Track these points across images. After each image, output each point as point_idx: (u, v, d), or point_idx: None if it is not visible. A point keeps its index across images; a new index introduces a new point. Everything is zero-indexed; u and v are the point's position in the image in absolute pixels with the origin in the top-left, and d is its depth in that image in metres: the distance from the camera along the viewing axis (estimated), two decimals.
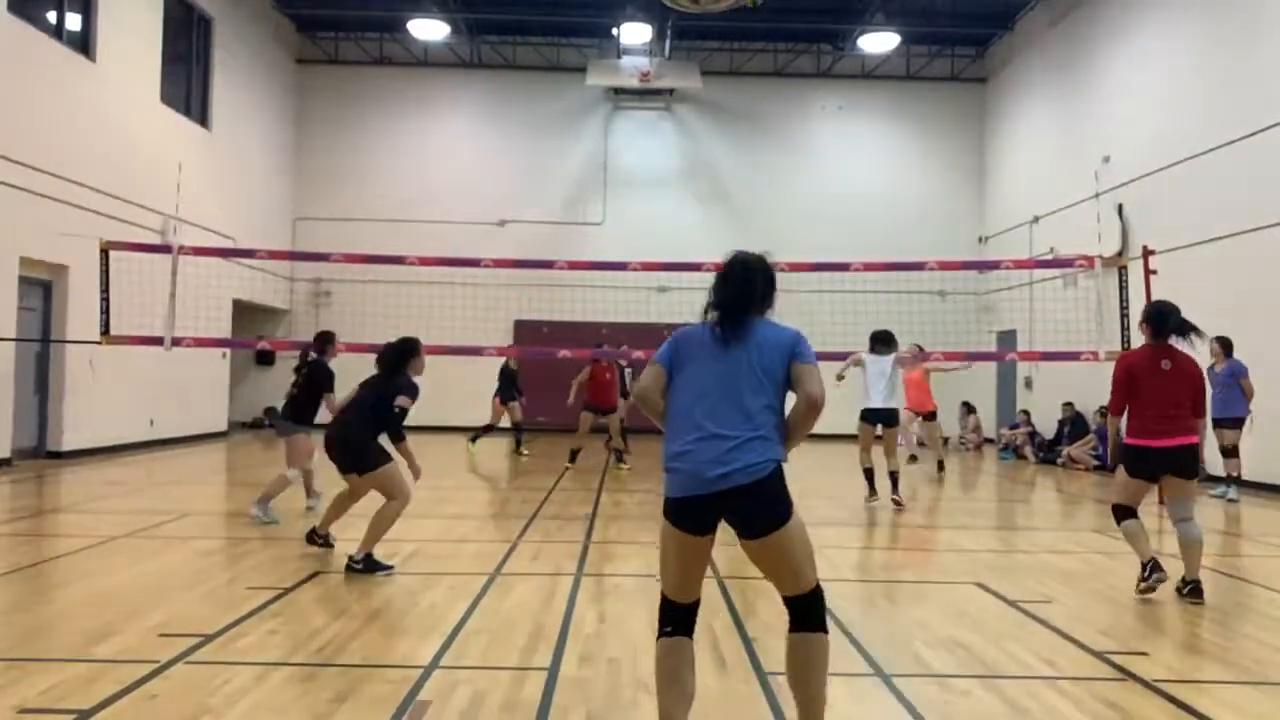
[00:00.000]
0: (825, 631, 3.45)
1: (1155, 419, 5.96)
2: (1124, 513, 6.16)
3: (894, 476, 10.25)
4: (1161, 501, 6.62)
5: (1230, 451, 11.27)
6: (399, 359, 6.88)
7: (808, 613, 3.47)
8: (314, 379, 8.64)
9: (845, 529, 9.03)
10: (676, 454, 3.35)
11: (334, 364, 8.86)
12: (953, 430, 20.54)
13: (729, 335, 3.44)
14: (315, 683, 4.16)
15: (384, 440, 6.73)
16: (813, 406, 3.37)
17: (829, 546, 7.90)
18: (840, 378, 10.76)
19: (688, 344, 3.51)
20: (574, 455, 13.47)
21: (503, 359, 15.71)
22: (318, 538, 7.09)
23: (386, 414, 6.63)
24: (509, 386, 15.76)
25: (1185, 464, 5.98)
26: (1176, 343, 6.09)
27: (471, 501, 8.42)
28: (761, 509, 3.32)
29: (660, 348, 3.58)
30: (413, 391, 6.83)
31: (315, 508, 8.66)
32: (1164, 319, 6.06)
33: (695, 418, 3.35)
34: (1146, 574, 5.96)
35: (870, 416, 10.39)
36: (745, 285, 3.51)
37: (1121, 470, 6.24)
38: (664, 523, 3.40)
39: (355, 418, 6.72)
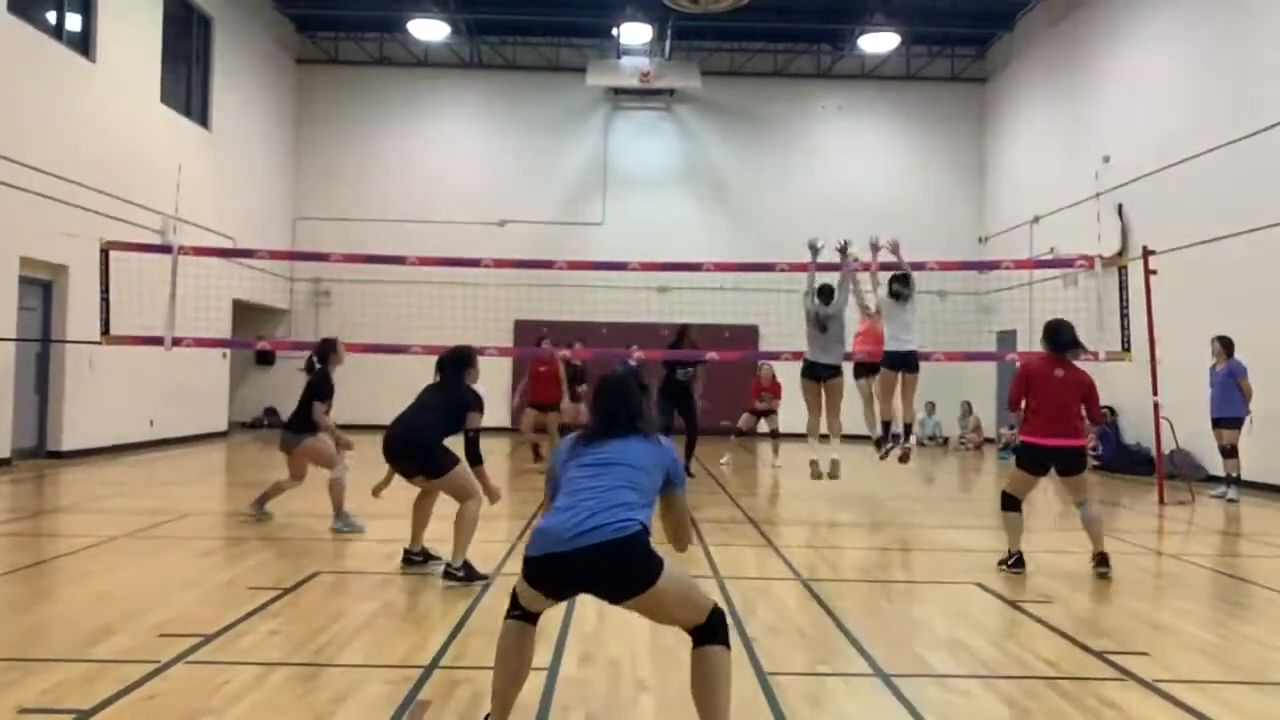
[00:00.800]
0: (727, 647, 3.40)
1: (1047, 421, 6.66)
2: (1011, 502, 6.87)
3: (908, 428, 10.03)
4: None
5: (1229, 451, 11.27)
6: (457, 366, 6.68)
7: (709, 634, 3.40)
8: (310, 388, 8.35)
9: (845, 529, 9.04)
10: None
11: (343, 364, 8.75)
12: (953, 430, 20.58)
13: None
14: (315, 682, 4.16)
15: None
16: None
17: (829, 546, 7.91)
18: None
19: None
20: (536, 452, 13.43)
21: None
22: (415, 557, 6.60)
23: (454, 416, 6.41)
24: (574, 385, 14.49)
25: (1072, 463, 6.72)
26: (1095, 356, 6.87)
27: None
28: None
29: None
30: (480, 406, 6.59)
31: (258, 516, 8.46)
32: (1060, 335, 6.82)
33: None
34: (1011, 561, 6.78)
35: (895, 361, 9.76)
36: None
37: (1014, 463, 7.02)
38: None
39: (422, 420, 6.40)
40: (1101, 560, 6.70)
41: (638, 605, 3.37)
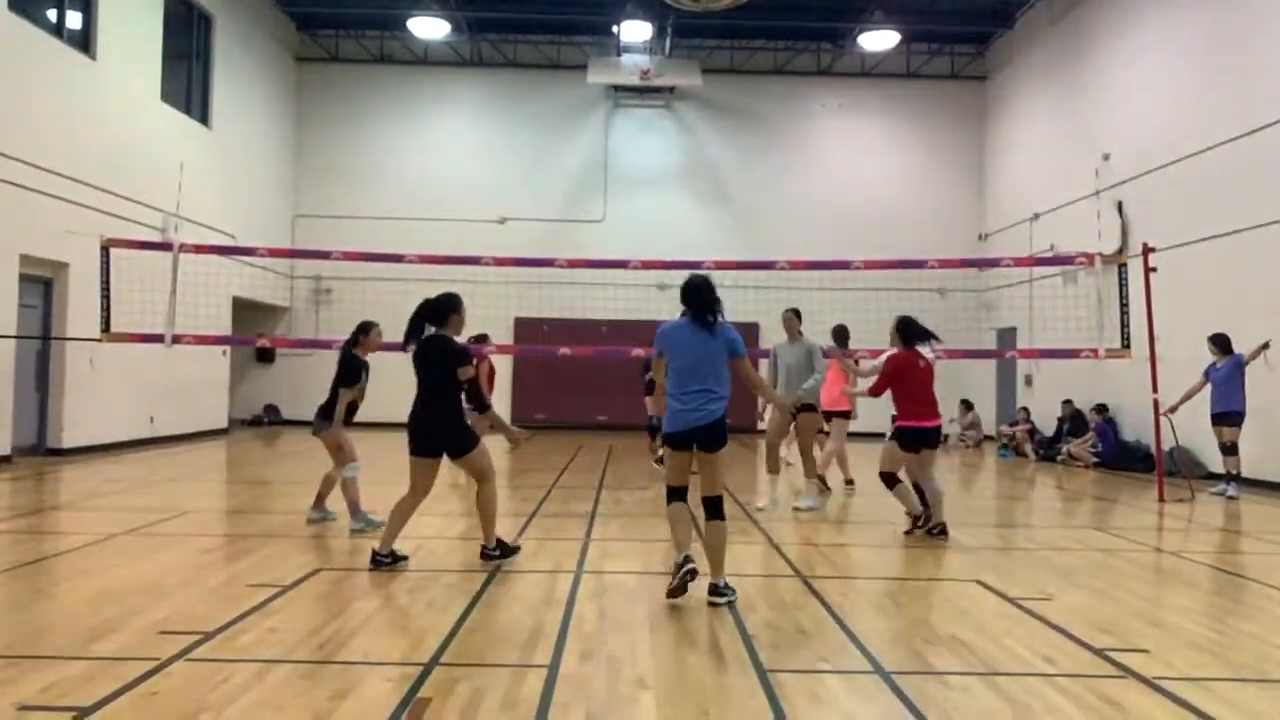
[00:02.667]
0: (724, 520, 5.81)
1: (921, 404, 7.92)
2: (892, 480, 7.99)
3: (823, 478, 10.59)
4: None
5: (1230, 449, 11.27)
6: (436, 317, 6.55)
7: (717, 512, 5.80)
8: (337, 371, 8.00)
9: (845, 526, 9.04)
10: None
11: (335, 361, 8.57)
12: (951, 428, 20.57)
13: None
14: (315, 680, 4.16)
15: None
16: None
17: (829, 544, 7.91)
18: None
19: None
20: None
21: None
22: (493, 552, 6.62)
23: (451, 385, 6.39)
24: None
25: (937, 440, 8.10)
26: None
27: (472, 499, 8.41)
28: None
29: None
30: (465, 357, 6.41)
31: (320, 520, 8.23)
32: (910, 329, 8.07)
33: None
34: (927, 526, 7.85)
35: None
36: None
37: (894, 445, 7.99)
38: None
39: (435, 402, 6.43)
40: (942, 530, 7.85)
41: (711, 460, 5.74)
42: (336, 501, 8.29)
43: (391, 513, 6.54)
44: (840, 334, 11.12)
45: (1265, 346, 11.66)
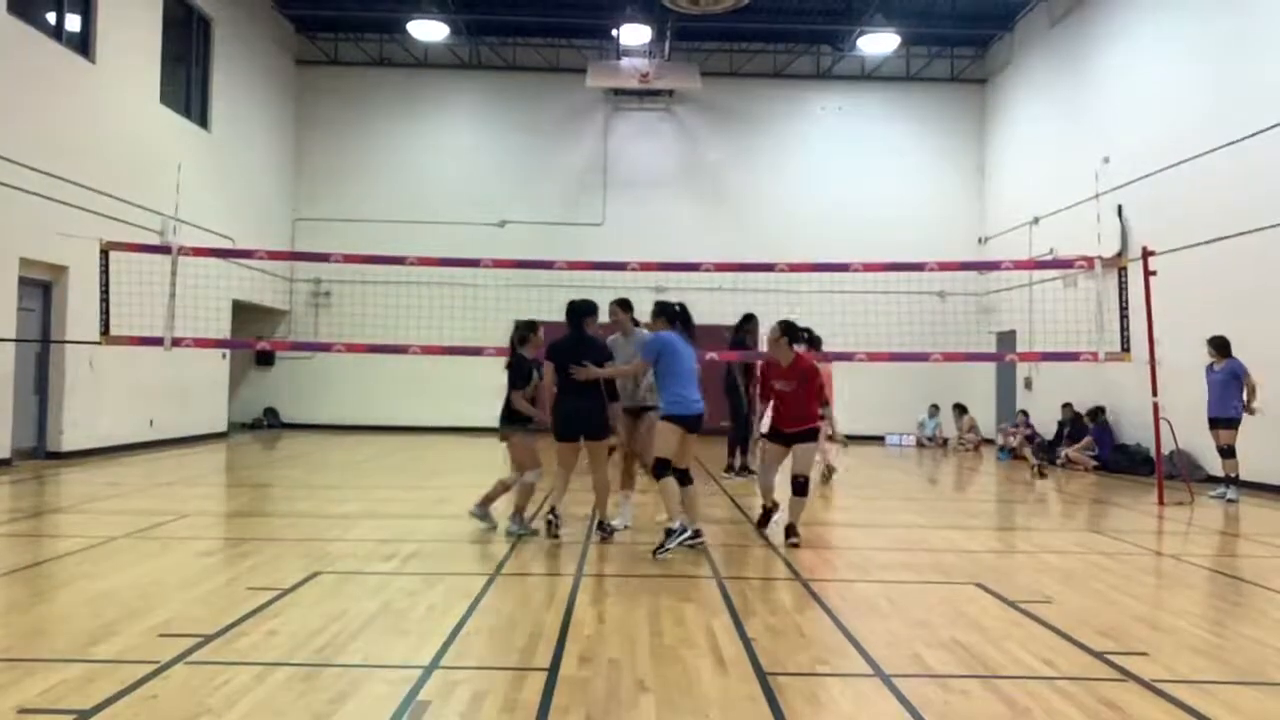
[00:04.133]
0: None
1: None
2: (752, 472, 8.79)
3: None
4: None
5: (1227, 452, 11.26)
6: (576, 316, 7.74)
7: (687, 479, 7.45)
8: (509, 374, 7.98)
9: (845, 529, 9.04)
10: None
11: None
12: (950, 431, 20.59)
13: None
14: (315, 683, 4.16)
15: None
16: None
17: (829, 546, 7.91)
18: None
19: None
20: None
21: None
22: (606, 528, 7.83)
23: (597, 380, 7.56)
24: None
25: (810, 436, 8.06)
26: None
27: (472, 501, 8.42)
28: None
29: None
30: (609, 354, 7.74)
31: (482, 519, 8.21)
32: (794, 331, 8.23)
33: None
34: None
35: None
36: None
37: (765, 442, 8.52)
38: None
39: (586, 401, 7.59)
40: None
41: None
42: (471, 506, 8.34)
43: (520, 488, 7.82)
44: (789, 330, 10.81)
45: (1254, 406, 11.32)
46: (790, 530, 7.74)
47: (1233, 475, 11.28)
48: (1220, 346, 11.38)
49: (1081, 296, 14.89)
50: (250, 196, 19.67)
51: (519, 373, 7.92)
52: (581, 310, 7.73)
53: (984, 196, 22.01)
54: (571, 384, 7.46)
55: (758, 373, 9.69)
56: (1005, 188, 21.04)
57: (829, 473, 12.47)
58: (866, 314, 14.99)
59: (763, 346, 10.54)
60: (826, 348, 12.83)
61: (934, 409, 20.75)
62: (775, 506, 8.36)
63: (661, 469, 7.24)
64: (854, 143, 22.25)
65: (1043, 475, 10.35)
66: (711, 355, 12.79)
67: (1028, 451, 16.95)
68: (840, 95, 22.43)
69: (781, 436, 8.04)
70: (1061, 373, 16.71)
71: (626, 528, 8.30)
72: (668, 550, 7.10)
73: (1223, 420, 11.22)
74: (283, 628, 5.01)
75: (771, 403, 8.20)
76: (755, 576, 6.63)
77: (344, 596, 5.78)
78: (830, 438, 12.41)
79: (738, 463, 13.13)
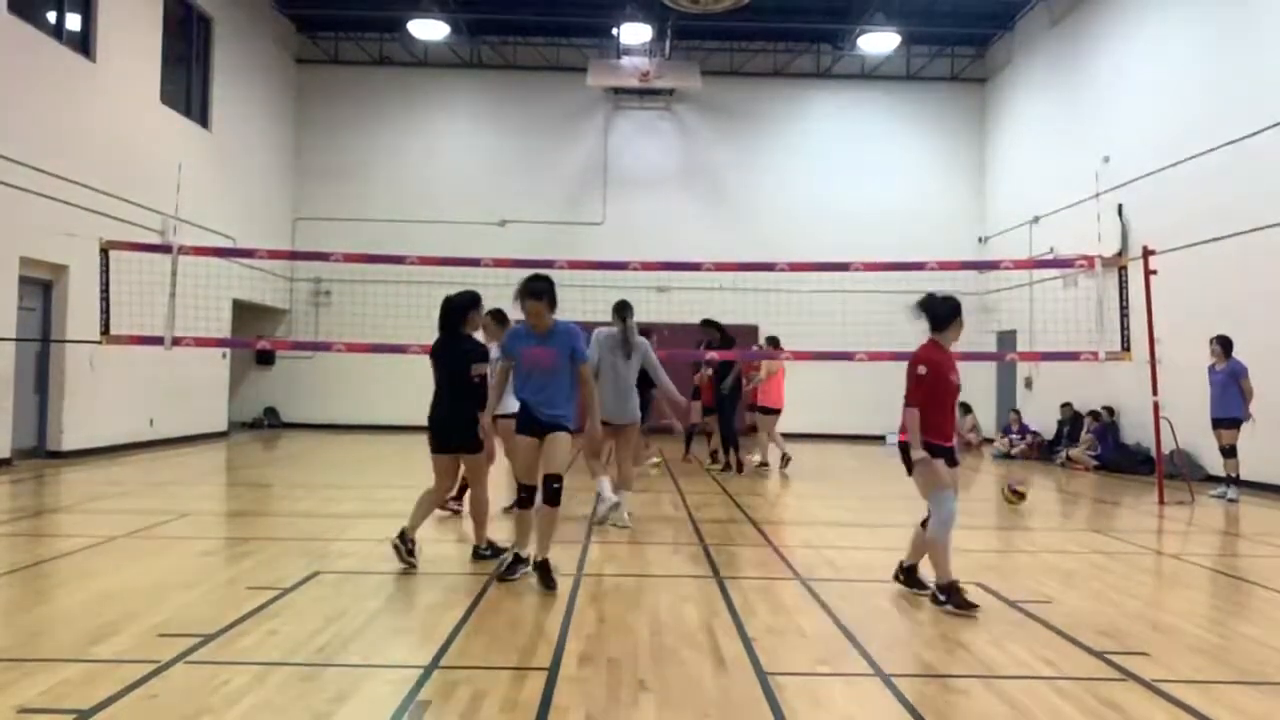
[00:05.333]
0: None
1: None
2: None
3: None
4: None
5: (1229, 451, 11.26)
6: (455, 317, 6.85)
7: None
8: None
9: (845, 529, 9.03)
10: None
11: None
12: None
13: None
14: (315, 683, 4.16)
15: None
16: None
17: (829, 547, 7.91)
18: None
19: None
20: None
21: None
22: (484, 551, 6.83)
23: (470, 385, 6.63)
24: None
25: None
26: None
27: (465, 501, 8.42)
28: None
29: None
30: (483, 355, 6.82)
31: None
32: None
33: None
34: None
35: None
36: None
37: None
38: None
39: (450, 406, 6.69)
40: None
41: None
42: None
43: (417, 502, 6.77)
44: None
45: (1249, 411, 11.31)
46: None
47: (1233, 475, 11.28)
48: (1225, 346, 11.34)
49: (1082, 296, 14.89)
50: (251, 196, 19.66)
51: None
52: (454, 307, 6.87)
53: (984, 196, 22.00)
54: (441, 389, 6.74)
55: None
56: (1005, 187, 21.03)
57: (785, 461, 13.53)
58: (866, 313, 14.99)
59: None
60: (826, 347, 12.86)
61: None
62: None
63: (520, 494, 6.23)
64: (854, 142, 22.24)
65: (1021, 498, 10.28)
66: (711, 355, 12.83)
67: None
68: (840, 94, 22.42)
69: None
70: (1061, 372, 16.70)
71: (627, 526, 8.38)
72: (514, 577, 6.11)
73: (1225, 420, 11.22)
74: (283, 628, 5.01)
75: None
76: (755, 576, 6.62)
77: (344, 596, 5.78)
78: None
79: (732, 459, 13.30)
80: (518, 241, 20.23)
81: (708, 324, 13.22)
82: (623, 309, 8.67)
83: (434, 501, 6.83)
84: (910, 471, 5.79)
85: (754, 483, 12.36)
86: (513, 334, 6.28)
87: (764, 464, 13.62)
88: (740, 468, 13.24)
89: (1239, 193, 12.88)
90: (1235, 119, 13.04)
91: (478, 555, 6.82)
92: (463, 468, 6.86)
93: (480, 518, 6.89)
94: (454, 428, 6.62)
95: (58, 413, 13.63)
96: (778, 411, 13.68)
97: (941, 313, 5.94)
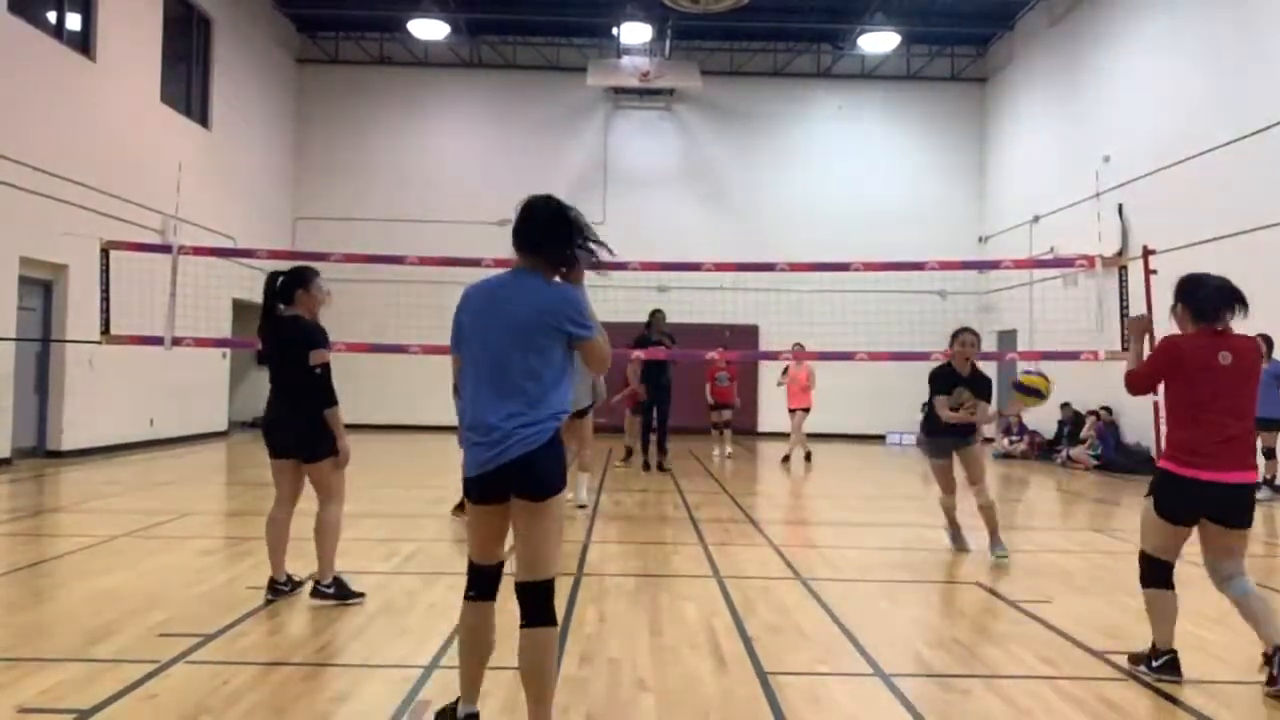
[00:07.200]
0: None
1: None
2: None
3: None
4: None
5: (1270, 454, 11.06)
6: (273, 297, 5.62)
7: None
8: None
9: (845, 528, 9.04)
10: None
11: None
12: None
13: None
14: (315, 682, 4.16)
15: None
16: None
17: (829, 546, 7.91)
18: None
19: None
20: None
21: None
22: (326, 588, 5.52)
23: (313, 380, 5.46)
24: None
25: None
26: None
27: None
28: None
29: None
30: (322, 339, 5.59)
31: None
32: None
33: None
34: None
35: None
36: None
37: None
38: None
39: (287, 408, 5.55)
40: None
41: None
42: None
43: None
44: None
45: None
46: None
47: (1269, 478, 11.05)
48: (1269, 345, 10.72)
49: (1082, 295, 14.89)
50: (251, 195, 19.66)
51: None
52: (276, 285, 5.80)
53: (984, 195, 21.99)
54: (275, 385, 5.65)
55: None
56: (1005, 186, 21.02)
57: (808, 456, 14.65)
58: (867, 313, 14.99)
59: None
60: (827, 347, 12.86)
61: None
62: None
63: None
64: (854, 141, 22.23)
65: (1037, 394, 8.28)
66: (712, 355, 12.84)
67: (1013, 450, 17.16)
68: (840, 94, 22.41)
69: None
70: (1062, 372, 16.66)
71: (581, 507, 9.24)
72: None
73: (1269, 421, 10.53)
74: (283, 627, 5.01)
75: None
76: (755, 576, 6.62)
77: None
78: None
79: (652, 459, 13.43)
80: None
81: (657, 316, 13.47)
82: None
83: (283, 524, 5.56)
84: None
85: (754, 482, 12.36)
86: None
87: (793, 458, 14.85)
88: (649, 467, 13.26)
89: (1239, 192, 12.87)
90: (1235, 119, 13.03)
91: (318, 593, 5.41)
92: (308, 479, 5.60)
93: (326, 541, 5.47)
94: (289, 429, 5.48)
95: (58, 412, 13.63)
96: (795, 411, 15.07)
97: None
